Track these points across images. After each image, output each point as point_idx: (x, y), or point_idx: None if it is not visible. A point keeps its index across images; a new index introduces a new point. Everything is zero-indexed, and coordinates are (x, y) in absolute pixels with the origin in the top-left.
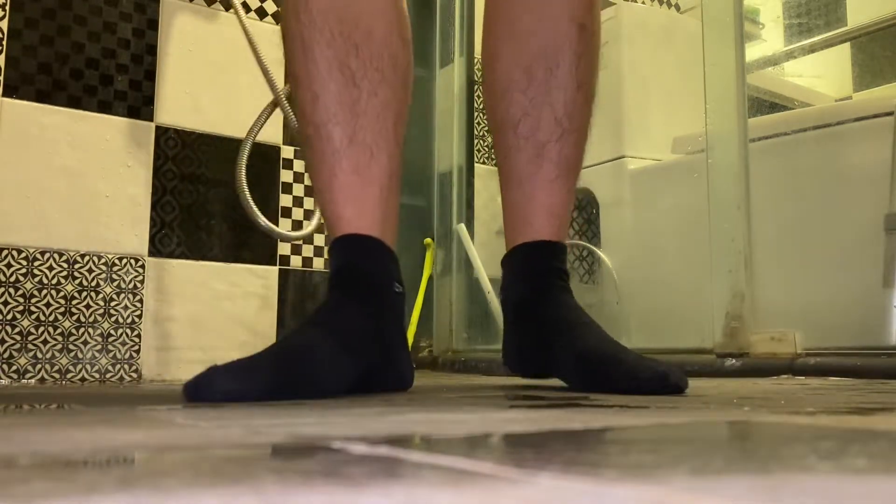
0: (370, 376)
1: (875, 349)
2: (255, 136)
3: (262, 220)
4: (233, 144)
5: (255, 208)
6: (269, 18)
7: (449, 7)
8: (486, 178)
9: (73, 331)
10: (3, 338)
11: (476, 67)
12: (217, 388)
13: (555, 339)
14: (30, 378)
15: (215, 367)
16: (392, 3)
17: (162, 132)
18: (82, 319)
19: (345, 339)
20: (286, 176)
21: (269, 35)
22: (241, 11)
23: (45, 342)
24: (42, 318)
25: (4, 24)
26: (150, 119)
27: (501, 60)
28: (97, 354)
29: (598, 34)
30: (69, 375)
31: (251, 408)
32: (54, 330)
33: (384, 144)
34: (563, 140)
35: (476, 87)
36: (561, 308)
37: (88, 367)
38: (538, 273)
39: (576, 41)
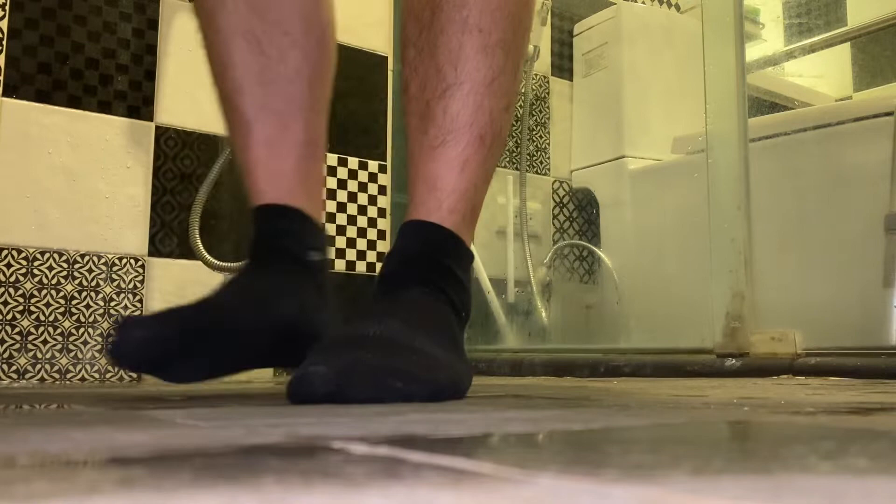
0: (289, 341)
1: (875, 349)
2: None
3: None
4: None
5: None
6: None
7: None
8: None
9: (73, 331)
10: (3, 338)
11: None
12: (132, 335)
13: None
14: (30, 378)
15: (128, 318)
16: None
17: (162, 132)
18: (82, 319)
19: (259, 294)
20: None
21: None
22: None
23: (45, 342)
24: (42, 318)
25: (4, 24)
26: (150, 119)
27: (402, 14)
28: (97, 354)
29: None
30: (69, 375)
31: (251, 408)
32: (54, 330)
33: (298, 112)
34: (448, 95)
35: None
36: (377, 301)
37: (88, 367)
38: (393, 260)
39: None
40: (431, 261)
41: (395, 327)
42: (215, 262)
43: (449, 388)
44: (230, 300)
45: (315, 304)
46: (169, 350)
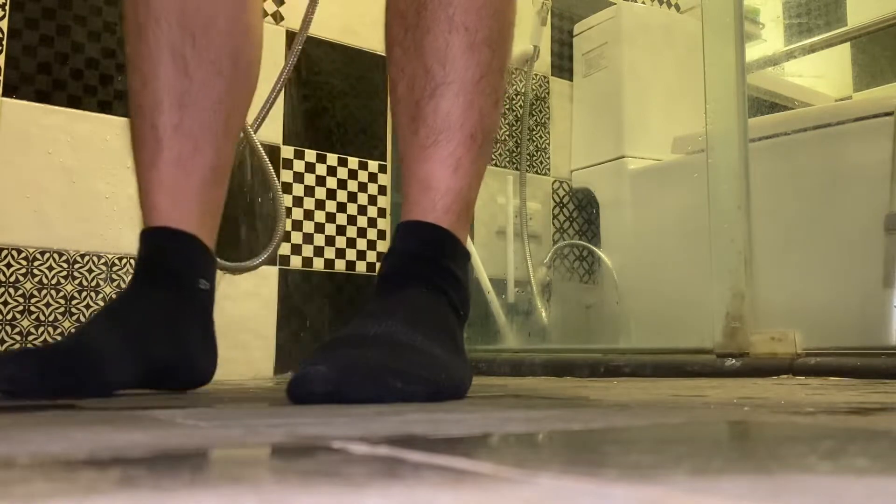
0: (160, 374)
1: (875, 349)
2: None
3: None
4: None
5: None
6: (268, 19)
7: None
8: (485, 177)
9: (74, 331)
10: (2, 338)
11: None
12: None
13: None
14: None
15: None
16: (241, 1)
17: None
18: (82, 319)
19: (132, 331)
20: (286, 176)
21: (270, 35)
22: None
23: (44, 342)
24: (42, 318)
25: (4, 24)
26: None
27: (387, 15)
28: None
29: None
30: None
31: (251, 408)
32: (54, 330)
33: (211, 138)
34: (438, 95)
35: None
36: (379, 300)
37: None
38: (392, 260)
39: None
40: (430, 261)
41: (396, 327)
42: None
43: (449, 388)
44: (101, 336)
45: (196, 339)
46: (28, 391)
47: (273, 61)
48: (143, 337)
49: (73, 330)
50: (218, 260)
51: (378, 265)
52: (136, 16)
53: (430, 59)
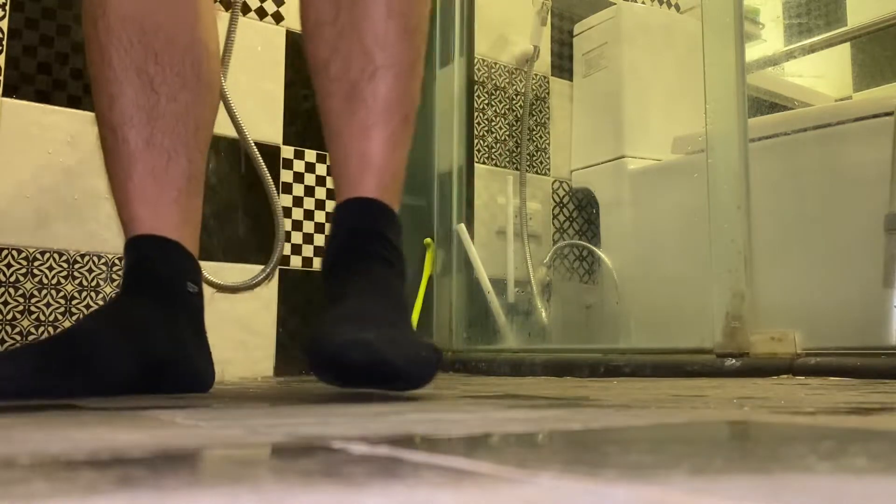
0: (158, 372)
1: (875, 349)
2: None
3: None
4: (232, 144)
5: None
6: (268, 19)
7: (449, 7)
8: (486, 178)
9: None
10: (3, 338)
11: (476, 67)
12: None
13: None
14: None
15: None
16: (196, 14)
17: None
18: (77, 321)
19: (128, 328)
20: (286, 176)
21: (271, 35)
22: (239, 12)
23: None
24: (42, 318)
25: (4, 24)
26: None
27: None
28: None
29: None
30: None
31: (251, 408)
32: (54, 330)
33: (182, 149)
34: (377, 77)
35: (476, 87)
36: (344, 279)
37: None
38: (343, 236)
39: None
40: (381, 236)
41: (381, 305)
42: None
43: (440, 359)
44: (96, 333)
45: (190, 341)
46: (23, 389)
47: (273, 61)
48: (140, 334)
49: (67, 326)
50: (219, 282)
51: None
52: (97, 39)
53: (369, 42)
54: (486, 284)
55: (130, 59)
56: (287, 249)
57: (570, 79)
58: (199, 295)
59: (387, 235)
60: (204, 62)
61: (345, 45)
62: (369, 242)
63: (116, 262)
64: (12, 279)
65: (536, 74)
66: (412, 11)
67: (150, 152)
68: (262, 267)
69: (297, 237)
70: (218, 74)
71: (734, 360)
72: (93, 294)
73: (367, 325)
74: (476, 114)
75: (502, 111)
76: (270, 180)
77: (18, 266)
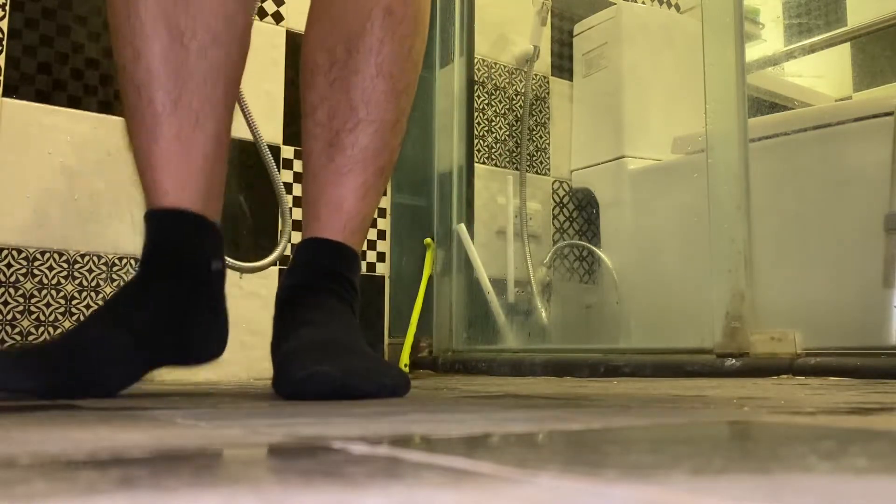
0: (163, 365)
1: (875, 349)
2: None
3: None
4: (232, 144)
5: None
6: (268, 19)
7: (449, 7)
8: (486, 178)
9: None
10: (3, 338)
11: (476, 67)
12: None
13: (280, 342)
14: None
15: None
16: None
17: None
18: (82, 319)
19: (138, 330)
20: (286, 176)
21: (271, 35)
22: None
23: (44, 342)
24: (42, 318)
25: (4, 24)
26: None
27: (309, 43)
28: None
29: (411, 23)
30: None
31: (251, 408)
32: (54, 330)
33: (211, 111)
34: (358, 130)
35: (476, 87)
36: (306, 308)
37: None
38: (302, 272)
39: (378, 26)
40: (340, 276)
41: (340, 334)
42: None
43: (405, 385)
44: (105, 339)
45: (206, 323)
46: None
47: (273, 60)
48: (148, 339)
49: (75, 325)
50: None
51: (378, 265)
52: None
53: (355, 96)
54: (486, 284)
55: (159, 9)
56: (287, 250)
57: (570, 79)
58: (223, 271)
59: (348, 276)
60: (237, 15)
61: (333, 95)
62: (330, 280)
63: (116, 262)
64: (12, 279)
65: (536, 74)
66: (401, 75)
67: (177, 114)
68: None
69: (296, 237)
70: (248, 30)
71: (734, 360)
72: (93, 294)
73: (326, 357)
74: (476, 114)
75: (502, 111)
76: (279, 179)
77: (18, 266)
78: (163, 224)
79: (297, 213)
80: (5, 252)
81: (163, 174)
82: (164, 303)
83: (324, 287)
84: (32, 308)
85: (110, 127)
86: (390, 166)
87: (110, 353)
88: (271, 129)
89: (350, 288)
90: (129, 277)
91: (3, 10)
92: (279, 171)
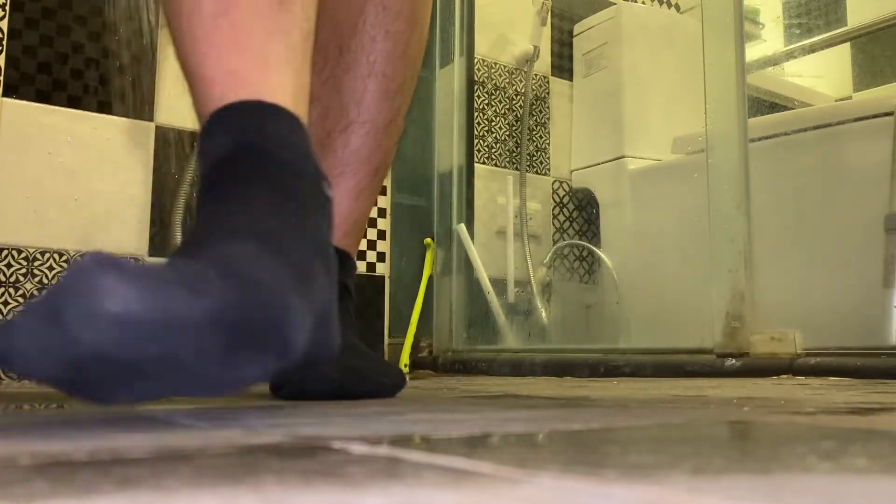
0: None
1: (875, 349)
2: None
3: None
4: None
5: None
6: None
7: (449, 7)
8: (486, 178)
9: None
10: None
11: (476, 67)
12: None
13: None
14: None
15: (92, 265)
16: None
17: (162, 132)
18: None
19: (294, 264)
20: None
21: None
22: None
23: None
24: None
25: (4, 24)
26: (150, 119)
27: None
28: None
29: (407, 19)
30: None
31: (251, 408)
32: None
33: None
34: (350, 132)
35: (476, 87)
36: None
37: None
38: None
39: (371, 22)
40: (339, 284)
41: (347, 334)
42: None
43: (403, 381)
44: (275, 276)
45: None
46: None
47: None
48: (306, 279)
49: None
50: None
51: (379, 265)
52: None
53: (346, 97)
54: (486, 284)
55: None
56: None
57: (570, 79)
58: (332, 200)
59: (341, 281)
60: None
61: (325, 95)
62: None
63: None
64: (12, 279)
65: (536, 74)
66: (395, 74)
67: None
68: None
69: None
70: None
71: (734, 360)
72: None
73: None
74: (476, 114)
75: (502, 111)
76: None
77: (18, 266)
78: (250, 119)
79: None
80: (5, 252)
81: (240, 58)
82: (298, 230)
83: None
84: None
85: (110, 127)
86: (385, 167)
87: (286, 297)
88: None
89: (345, 290)
90: None
91: (3, 10)
92: None
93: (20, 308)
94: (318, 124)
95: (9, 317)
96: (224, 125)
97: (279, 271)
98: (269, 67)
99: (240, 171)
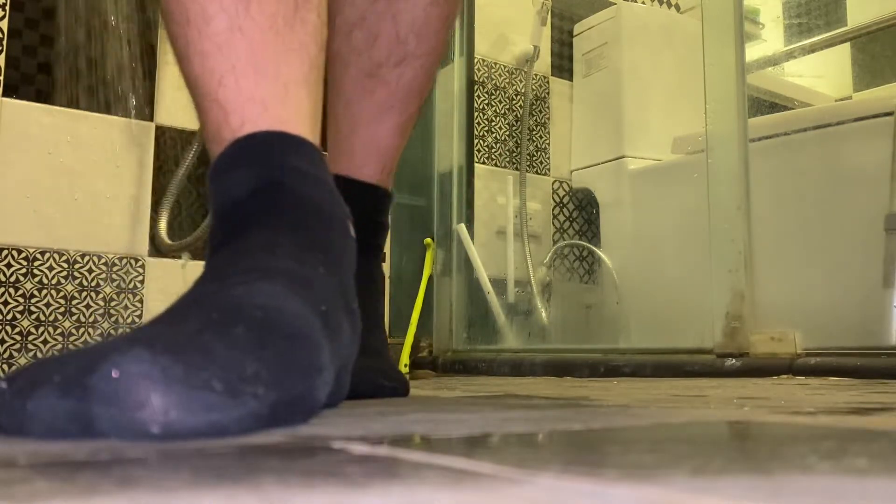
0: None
1: (875, 349)
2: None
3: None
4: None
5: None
6: None
7: None
8: (486, 178)
9: (73, 331)
10: (3, 338)
11: (476, 67)
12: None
13: None
14: None
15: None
16: None
17: (162, 132)
18: (82, 319)
19: (322, 310)
20: None
21: None
22: None
23: (45, 342)
24: (42, 318)
25: (4, 24)
26: (150, 119)
27: None
28: None
29: None
30: None
31: None
32: (54, 330)
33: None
34: (405, 64)
35: (476, 87)
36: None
37: None
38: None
39: None
40: (375, 223)
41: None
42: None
43: (407, 386)
44: (309, 322)
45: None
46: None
47: None
48: (332, 325)
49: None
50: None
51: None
52: None
53: (404, 28)
54: (486, 284)
55: None
56: None
57: (570, 79)
58: (355, 242)
59: (382, 221)
60: None
61: (375, 20)
62: (369, 233)
63: (116, 262)
64: (12, 279)
65: (536, 74)
66: (453, 3)
67: None
68: None
69: None
70: None
71: (734, 360)
72: (93, 294)
73: None
74: (476, 114)
75: (502, 111)
76: None
77: (18, 266)
78: (270, 154)
79: None
80: (5, 252)
81: (256, 80)
82: (327, 276)
83: (369, 242)
84: (32, 308)
85: (110, 127)
86: (427, 97)
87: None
88: None
89: (383, 230)
90: (130, 277)
91: (3, 10)
92: None
93: (32, 376)
94: (363, 52)
95: (10, 318)
96: (247, 158)
97: (318, 347)
98: (288, 93)
99: (265, 211)
